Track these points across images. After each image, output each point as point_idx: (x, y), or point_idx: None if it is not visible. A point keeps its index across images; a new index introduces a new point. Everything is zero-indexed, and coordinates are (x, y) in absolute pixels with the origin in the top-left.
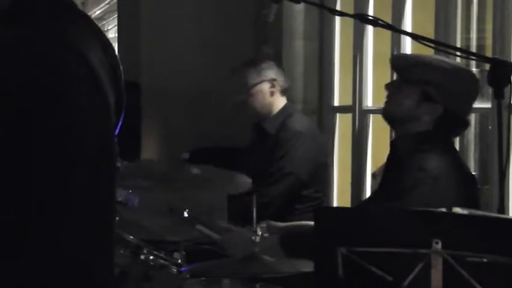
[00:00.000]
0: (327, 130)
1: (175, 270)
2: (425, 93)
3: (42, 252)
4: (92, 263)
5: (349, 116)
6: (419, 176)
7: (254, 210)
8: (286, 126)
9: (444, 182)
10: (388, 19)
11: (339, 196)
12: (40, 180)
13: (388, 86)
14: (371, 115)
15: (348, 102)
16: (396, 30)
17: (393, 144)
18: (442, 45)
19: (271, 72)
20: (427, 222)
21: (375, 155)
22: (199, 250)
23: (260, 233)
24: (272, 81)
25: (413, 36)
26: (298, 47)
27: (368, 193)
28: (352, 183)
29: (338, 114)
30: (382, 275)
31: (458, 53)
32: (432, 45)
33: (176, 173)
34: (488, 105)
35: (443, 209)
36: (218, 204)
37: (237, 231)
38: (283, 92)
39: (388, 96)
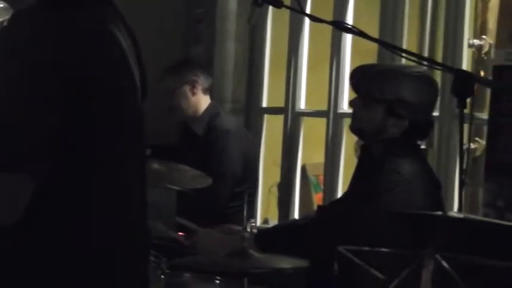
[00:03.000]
0: (254, 130)
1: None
2: (390, 109)
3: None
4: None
5: (279, 117)
6: (394, 178)
7: (245, 207)
8: (214, 127)
9: (417, 185)
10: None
11: (265, 196)
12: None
13: (352, 103)
14: (304, 117)
15: (280, 103)
16: (373, 39)
17: (364, 148)
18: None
19: (191, 74)
20: (421, 225)
21: (305, 158)
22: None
23: (249, 229)
24: (193, 83)
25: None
26: (229, 47)
27: (296, 195)
28: (281, 184)
29: (266, 115)
30: (375, 273)
31: (424, 62)
32: (414, 58)
33: None
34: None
35: (439, 212)
36: (168, 201)
37: (207, 231)
38: (206, 91)
39: (353, 113)
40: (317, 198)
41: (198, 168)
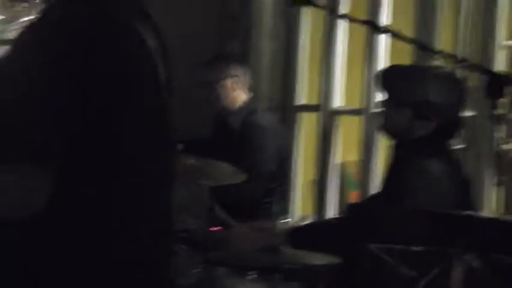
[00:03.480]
0: (289, 128)
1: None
2: (418, 111)
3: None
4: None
5: (314, 115)
6: (422, 178)
7: (277, 205)
8: (250, 122)
9: (445, 184)
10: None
11: (302, 193)
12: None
13: (381, 104)
14: (339, 115)
15: (315, 101)
16: (406, 39)
17: (394, 147)
18: (448, 56)
19: (232, 68)
20: (449, 224)
21: (342, 155)
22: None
23: (280, 226)
24: (233, 77)
25: (423, 46)
26: (265, 44)
27: (332, 193)
28: (317, 181)
29: (301, 113)
30: (405, 271)
31: (457, 64)
32: (448, 59)
33: None
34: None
35: (470, 212)
36: (201, 197)
37: (240, 227)
38: (245, 87)
39: (382, 113)
40: (354, 196)
41: (231, 163)
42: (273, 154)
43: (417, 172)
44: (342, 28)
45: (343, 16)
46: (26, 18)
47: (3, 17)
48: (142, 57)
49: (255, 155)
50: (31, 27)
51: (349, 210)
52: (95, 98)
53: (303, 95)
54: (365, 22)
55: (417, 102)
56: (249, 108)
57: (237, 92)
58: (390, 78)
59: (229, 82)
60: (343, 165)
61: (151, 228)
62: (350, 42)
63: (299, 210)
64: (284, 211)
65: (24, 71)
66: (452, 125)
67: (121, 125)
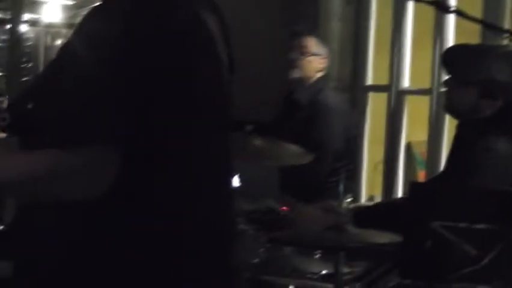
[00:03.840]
0: (359, 108)
1: (253, 234)
2: (483, 90)
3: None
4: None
5: (383, 95)
6: (487, 156)
7: (342, 184)
8: (317, 101)
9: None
10: None
11: (370, 173)
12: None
13: (446, 83)
14: (408, 95)
15: (384, 81)
16: (474, 20)
17: (459, 126)
18: None
19: (317, 47)
20: None
21: (410, 135)
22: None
23: (346, 205)
24: (317, 56)
25: (491, 26)
26: (334, 26)
27: (400, 172)
28: (385, 161)
29: (370, 93)
30: (468, 249)
31: None
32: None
33: (241, 144)
34: None
35: None
36: (269, 177)
37: (306, 208)
38: (322, 67)
39: (447, 93)
40: (422, 176)
41: (297, 140)
42: (339, 133)
43: (484, 150)
44: (410, 9)
45: None
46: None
47: (74, 1)
48: (204, 39)
49: (322, 134)
50: (100, 14)
51: (412, 189)
52: (164, 82)
53: (372, 75)
54: (432, 3)
55: (483, 81)
56: (317, 87)
57: (314, 71)
58: (454, 57)
59: (317, 61)
60: (411, 145)
61: (216, 211)
62: (418, 22)
63: (367, 190)
64: (351, 190)
65: (97, 56)
66: None
67: (187, 108)
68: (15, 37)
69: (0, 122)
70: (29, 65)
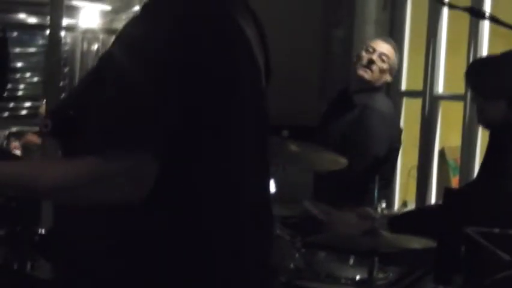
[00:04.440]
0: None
1: (289, 239)
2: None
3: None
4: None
5: (417, 100)
6: None
7: (376, 190)
8: (371, 105)
9: None
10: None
11: (404, 179)
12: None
13: (474, 100)
14: (442, 101)
15: (417, 87)
16: (508, 26)
17: (492, 133)
18: None
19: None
20: None
21: (444, 141)
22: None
23: (380, 211)
24: (394, 71)
25: None
26: (369, 31)
27: (434, 178)
28: (419, 167)
29: (404, 98)
30: (501, 255)
31: None
32: None
33: (277, 149)
34: None
35: None
36: (304, 181)
37: (342, 215)
38: (390, 73)
39: (477, 107)
40: (455, 182)
41: (342, 139)
42: (384, 140)
43: None
44: (445, 14)
45: (445, 3)
46: (136, 8)
47: (111, 6)
48: (241, 46)
49: (368, 136)
50: (144, 20)
51: (446, 195)
52: (204, 88)
53: (407, 80)
54: (467, 9)
55: (509, 93)
56: (376, 92)
57: (382, 80)
58: (477, 74)
59: (386, 69)
60: (444, 151)
61: (254, 215)
62: (453, 28)
63: (400, 195)
64: (384, 196)
65: (139, 62)
66: None
67: (227, 114)
68: (53, 42)
69: (43, 128)
70: (66, 70)
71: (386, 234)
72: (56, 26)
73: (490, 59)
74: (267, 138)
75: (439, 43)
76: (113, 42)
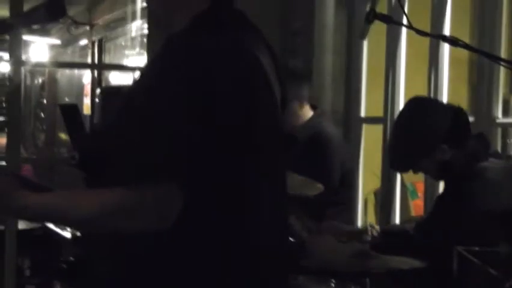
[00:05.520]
0: (353, 140)
1: None
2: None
3: None
4: None
5: (376, 127)
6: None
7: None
8: (317, 133)
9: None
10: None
11: (368, 208)
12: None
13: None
14: None
15: (378, 113)
16: (479, 51)
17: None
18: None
19: (298, 89)
20: None
21: None
22: None
23: (370, 233)
24: (300, 98)
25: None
26: (327, 59)
27: (397, 202)
28: (381, 191)
29: (364, 125)
30: (492, 272)
31: None
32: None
33: None
34: None
35: None
36: None
37: (323, 237)
38: (308, 101)
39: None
40: (414, 205)
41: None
42: (337, 167)
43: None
44: (403, 40)
45: (418, 31)
46: (84, 42)
47: (60, 40)
48: (263, 82)
49: (319, 168)
50: (168, 58)
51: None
52: (227, 123)
53: (367, 107)
54: (426, 33)
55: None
56: (315, 122)
57: (304, 110)
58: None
59: (296, 103)
60: (403, 175)
61: (273, 242)
62: (412, 51)
63: (361, 220)
64: (348, 222)
65: (166, 96)
66: None
67: (249, 149)
68: (14, 76)
69: (71, 160)
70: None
71: (376, 255)
72: (16, 61)
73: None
74: (285, 160)
75: (399, 67)
76: (140, 76)
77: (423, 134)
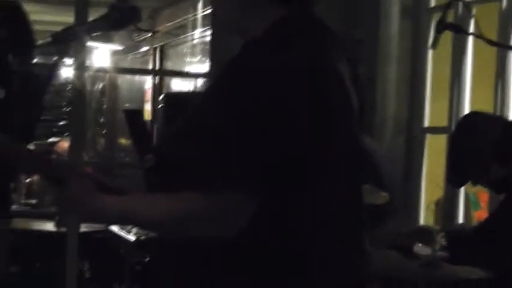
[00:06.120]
0: (416, 149)
1: None
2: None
3: None
4: None
5: (440, 136)
6: None
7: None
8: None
9: None
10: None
11: (427, 215)
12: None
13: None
14: None
15: (440, 123)
16: None
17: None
18: None
19: None
20: None
21: None
22: None
23: (438, 243)
24: None
25: None
26: (391, 68)
27: (461, 213)
28: (444, 202)
29: (427, 135)
30: None
31: None
32: None
33: None
34: None
35: None
36: None
37: (385, 253)
38: None
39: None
40: (476, 216)
41: None
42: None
43: None
44: (470, 49)
45: (491, 42)
46: (145, 49)
47: (121, 47)
48: (342, 93)
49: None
50: (241, 67)
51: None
52: (298, 128)
53: (431, 117)
54: (496, 43)
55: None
56: None
57: None
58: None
59: None
60: (467, 186)
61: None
62: (479, 61)
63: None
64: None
65: (241, 104)
66: None
67: (325, 158)
68: (79, 82)
69: (147, 163)
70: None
71: (444, 264)
72: (80, 66)
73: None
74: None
75: (464, 76)
76: (212, 83)
77: (472, 155)
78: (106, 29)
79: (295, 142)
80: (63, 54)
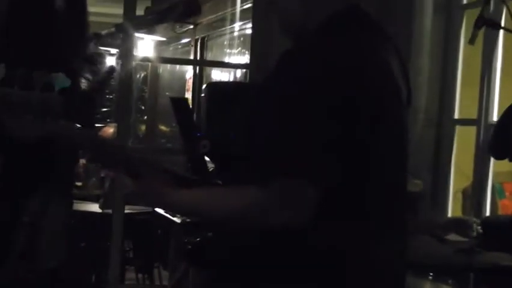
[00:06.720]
0: (446, 140)
1: None
2: None
3: None
4: None
5: (469, 128)
6: None
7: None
8: None
9: None
10: None
11: (454, 206)
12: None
13: None
14: None
15: (470, 115)
16: None
17: None
18: None
19: None
20: None
21: (497, 168)
22: None
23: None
24: None
25: None
26: (424, 61)
27: (488, 204)
28: (472, 192)
29: (457, 127)
30: None
31: None
32: None
33: None
34: None
35: None
36: None
37: (424, 240)
38: None
39: None
40: (502, 205)
41: None
42: None
43: None
44: (500, 43)
45: (504, 28)
46: (186, 40)
47: (164, 38)
48: (393, 86)
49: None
50: (302, 59)
51: None
52: (355, 122)
53: (460, 108)
54: None
55: None
56: None
57: None
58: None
59: None
60: (493, 175)
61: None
62: (508, 55)
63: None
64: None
65: (304, 94)
66: None
67: (378, 149)
68: (126, 70)
69: (202, 148)
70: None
71: (480, 251)
72: (126, 55)
73: None
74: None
75: (494, 70)
76: (276, 72)
77: None
78: (169, 20)
79: (357, 127)
80: (128, 44)
